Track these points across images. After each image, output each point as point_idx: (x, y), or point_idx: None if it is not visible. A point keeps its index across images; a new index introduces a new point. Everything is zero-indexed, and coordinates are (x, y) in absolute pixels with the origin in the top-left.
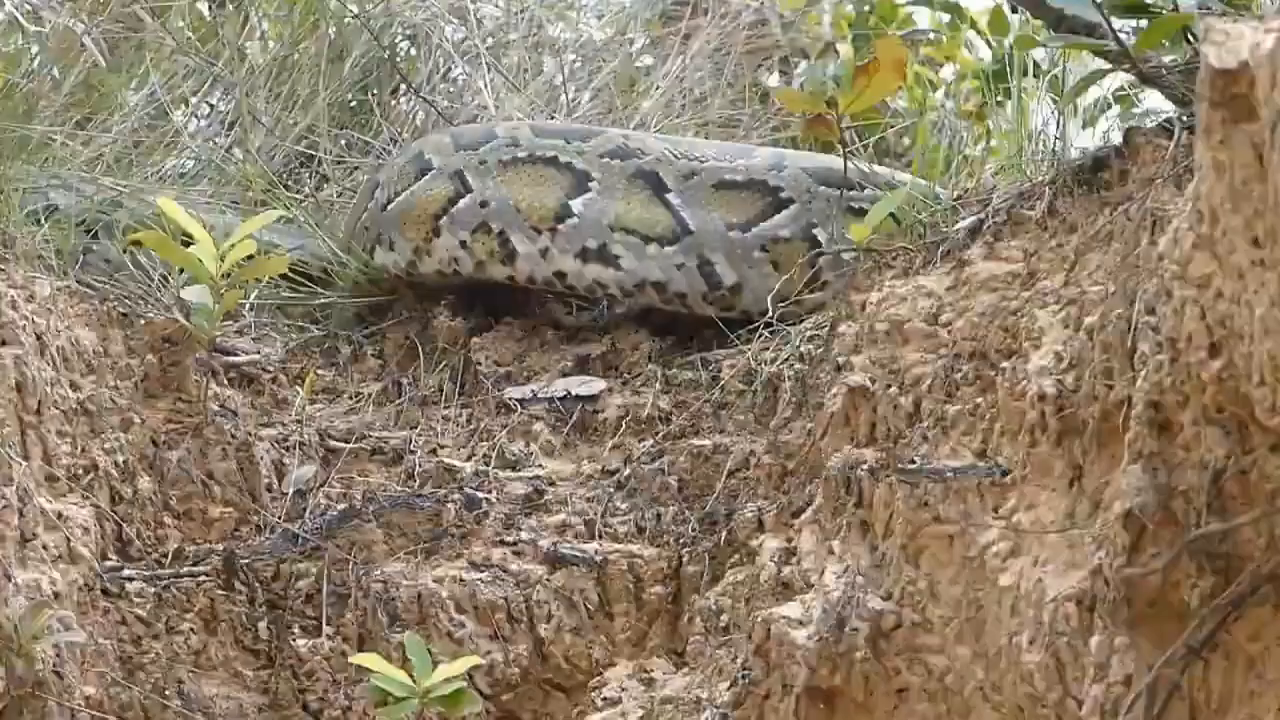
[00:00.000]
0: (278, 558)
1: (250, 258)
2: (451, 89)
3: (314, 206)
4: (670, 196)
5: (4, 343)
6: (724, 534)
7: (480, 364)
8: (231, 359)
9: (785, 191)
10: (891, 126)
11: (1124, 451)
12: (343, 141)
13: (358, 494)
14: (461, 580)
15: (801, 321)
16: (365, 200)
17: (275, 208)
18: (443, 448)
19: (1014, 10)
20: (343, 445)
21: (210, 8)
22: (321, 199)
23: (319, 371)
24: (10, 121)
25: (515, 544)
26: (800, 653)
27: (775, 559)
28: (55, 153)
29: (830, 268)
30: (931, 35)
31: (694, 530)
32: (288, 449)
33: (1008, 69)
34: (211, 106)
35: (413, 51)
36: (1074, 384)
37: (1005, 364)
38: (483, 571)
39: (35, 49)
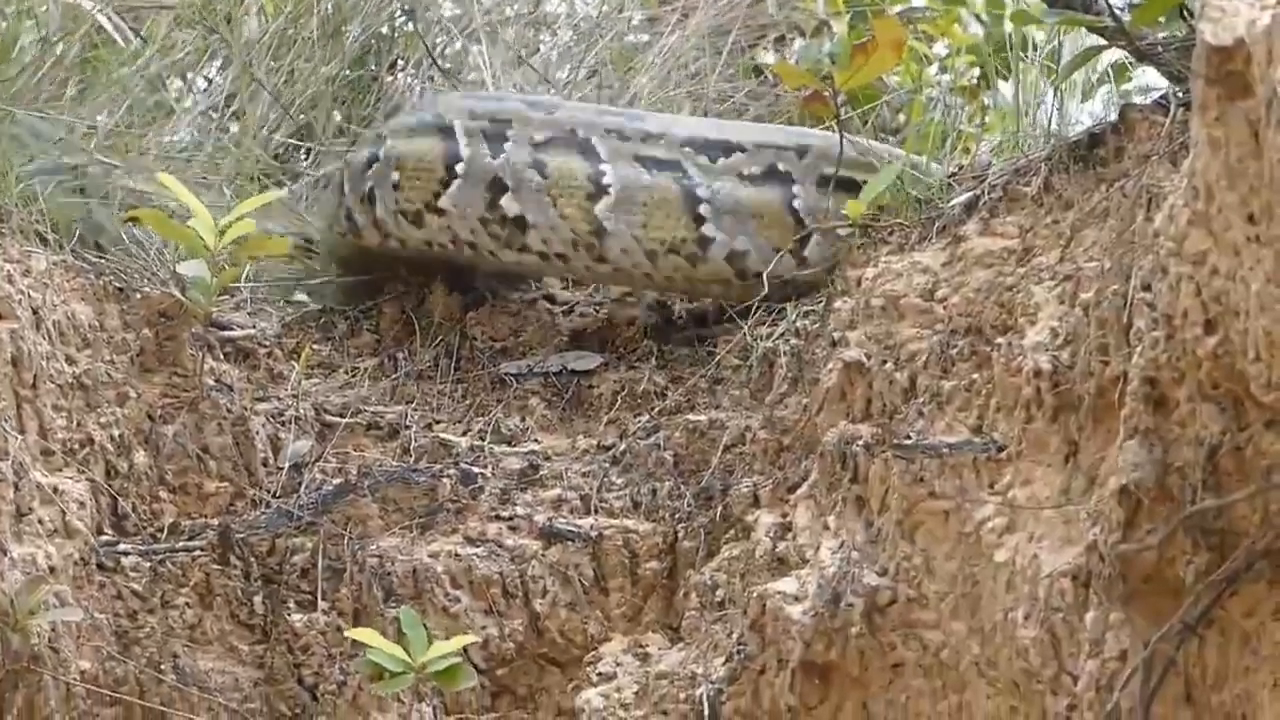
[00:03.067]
0: (273, 532)
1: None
2: (449, 65)
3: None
4: None
5: (0, 317)
6: (719, 509)
7: (476, 339)
8: (227, 334)
9: None
10: (887, 103)
11: (1119, 427)
12: (338, 116)
13: (353, 469)
14: (457, 555)
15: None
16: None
17: (270, 188)
18: (438, 423)
19: None
20: (338, 420)
21: None
22: (317, 179)
23: (315, 346)
24: (6, 96)
25: (511, 519)
26: (795, 628)
27: (771, 534)
28: (53, 126)
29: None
30: (927, 13)
31: (689, 505)
32: (283, 424)
33: (1006, 44)
34: (209, 80)
35: (409, 27)
36: (1070, 360)
37: (1001, 340)
38: (478, 546)
39: (38, 23)
